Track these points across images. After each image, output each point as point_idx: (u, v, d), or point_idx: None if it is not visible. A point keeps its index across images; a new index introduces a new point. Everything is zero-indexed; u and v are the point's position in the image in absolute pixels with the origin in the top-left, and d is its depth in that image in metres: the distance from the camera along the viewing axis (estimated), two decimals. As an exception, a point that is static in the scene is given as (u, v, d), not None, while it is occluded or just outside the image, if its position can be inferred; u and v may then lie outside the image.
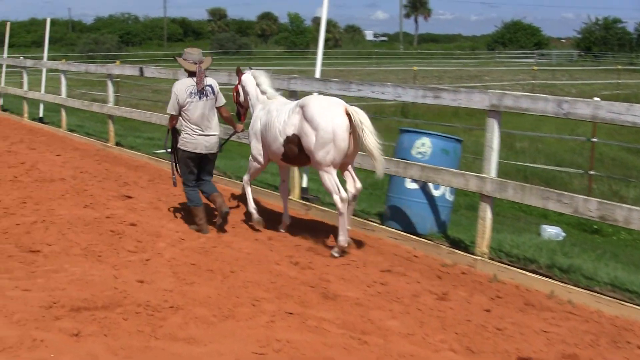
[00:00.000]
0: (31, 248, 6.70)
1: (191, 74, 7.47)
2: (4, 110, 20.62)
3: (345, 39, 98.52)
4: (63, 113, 15.87)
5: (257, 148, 7.71)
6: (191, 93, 7.36)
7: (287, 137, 7.05)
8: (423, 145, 8.13)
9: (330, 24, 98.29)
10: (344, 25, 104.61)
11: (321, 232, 7.88)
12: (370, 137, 6.64)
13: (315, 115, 6.73)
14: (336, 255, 6.93)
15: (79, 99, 17.42)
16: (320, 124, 6.68)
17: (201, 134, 7.47)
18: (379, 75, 39.99)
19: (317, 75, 9.53)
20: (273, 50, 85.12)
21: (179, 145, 7.61)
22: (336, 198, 6.82)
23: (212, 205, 7.92)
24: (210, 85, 7.54)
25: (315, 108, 6.78)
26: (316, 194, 9.59)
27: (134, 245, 6.97)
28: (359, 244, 7.51)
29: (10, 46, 21.96)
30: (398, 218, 8.26)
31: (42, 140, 14.56)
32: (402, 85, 7.95)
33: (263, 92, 7.84)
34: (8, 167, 11.13)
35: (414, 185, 8.14)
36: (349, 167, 7.11)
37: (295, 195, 9.13)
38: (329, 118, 6.66)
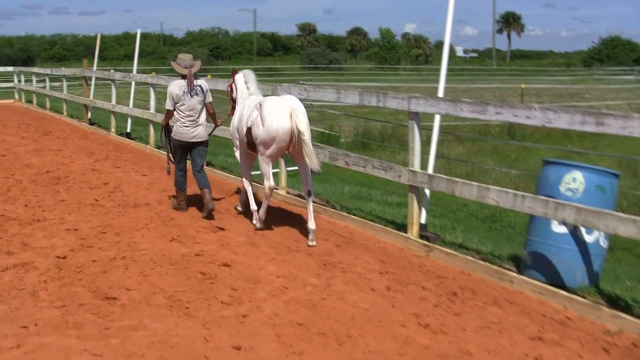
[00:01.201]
0: (107, 294, 5.77)
1: (183, 76, 8.98)
2: (92, 123, 20.25)
3: (435, 54, 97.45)
4: (151, 129, 15.19)
5: (235, 138, 8.95)
6: (184, 92, 8.87)
7: (248, 128, 8.16)
8: (574, 181, 6.80)
9: (421, 40, 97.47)
10: (434, 40, 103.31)
11: (448, 280, 6.67)
12: (305, 137, 7.58)
13: (265, 115, 7.78)
14: (257, 225, 8.32)
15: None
16: (266, 122, 7.75)
17: (190, 125, 8.94)
18: (474, 92, 38.56)
19: (440, 94, 8.36)
20: (363, 65, 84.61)
21: (172, 135, 9.06)
22: (266, 184, 8.07)
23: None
24: (200, 86, 9.02)
25: (266, 108, 7.83)
26: (435, 230, 8.39)
27: (228, 294, 5.93)
28: (496, 299, 6.24)
29: (103, 59, 21.92)
30: (541, 267, 6.93)
31: (128, 157, 13.89)
32: (553, 109, 6.64)
33: (248, 90, 8.97)
34: (90, 189, 10.40)
35: (563, 229, 6.81)
36: (304, 166, 7.94)
37: (413, 233, 7.95)
38: (274, 119, 7.69)
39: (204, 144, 9.16)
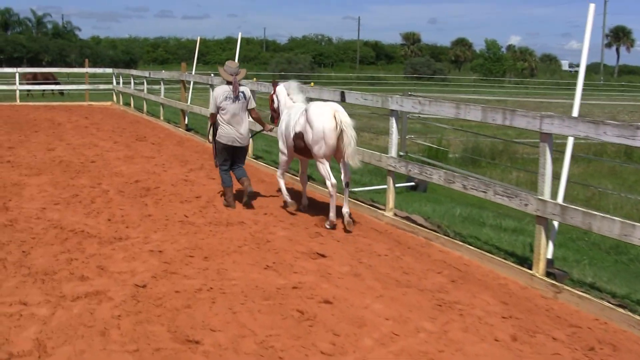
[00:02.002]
0: (189, 336, 5.05)
1: (228, 82, 9.74)
2: (189, 129, 19.92)
3: (540, 68, 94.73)
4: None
5: (282, 144, 9.69)
6: (227, 97, 9.63)
7: (296, 134, 9.08)
8: None
9: (527, 52, 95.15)
10: (540, 53, 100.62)
11: (583, 331, 5.65)
12: (348, 134, 8.54)
13: (312, 118, 8.71)
14: (328, 227, 8.76)
15: (266, 121, 16.12)
16: (314, 125, 8.67)
17: (233, 129, 9.69)
18: (583, 109, 36.52)
19: (575, 113, 7.33)
20: (468, 77, 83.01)
21: (216, 138, 9.87)
22: (328, 183, 8.84)
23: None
24: (243, 92, 9.78)
25: (312, 113, 8.74)
26: (557, 263, 7.33)
27: (329, 341, 5.12)
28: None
29: (205, 63, 21.61)
30: None
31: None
32: None
33: (292, 100, 9.80)
34: (180, 202, 9.82)
35: None
36: (344, 161, 8.83)
37: (539, 270, 6.92)
38: (320, 121, 8.62)
39: (245, 147, 10.05)
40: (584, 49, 7.56)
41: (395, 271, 7.04)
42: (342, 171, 8.97)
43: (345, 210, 8.79)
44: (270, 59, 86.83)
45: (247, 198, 9.65)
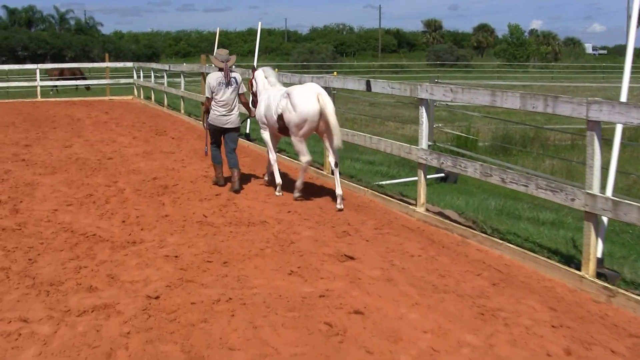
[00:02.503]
0: (204, 356, 4.53)
1: (220, 69, 10.21)
2: (210, 123, 19.40)
3: (564, 52, 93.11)
4: (271, 130, 14.05)
5: (262, 125, 10.28)
6: (220, 83, 10.10)
7: (279, 115, 9.49)
8: None
9: (550, 36, 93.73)
10: (563, 37, 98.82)
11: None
12: (331, 116, 8.95)
13: (295, 101, 9.14)
14: (296, 195, 9.50)
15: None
16: (297, 107, 9.11)
17: (225, 113, 10.23)
18: (610, 92, 35.52)
19: (623, 98, 6.68)
20: (491, 62, 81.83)
21: (209, 121, 10.37)
22: (303, 159, 9.39)
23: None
24: (234, 78, 10.26)
25: (296, 95, 9.20)
26: (604, 260, 6.69)
27: (361, 361, 4.55)
28: None
29: (228, 55, 20.86)
30: None
31: (246, 162, 12.78)
32: None
33: (269, 83, 10.30)
34: (199, 201, 9.31)
35: None
36: (329, 143, 9.29)
37: (589, 271, 6.30)
38: (304, 103, 9.05)
39: (235, 129, 10.49)
40: (631, 31, 6.94)
41: (430, 274, 6.47)
42: (330, 152, 9.38)
43: (338, 192, 9.14)
44: (292, 50, 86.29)
45: (232, 191, 10.01)
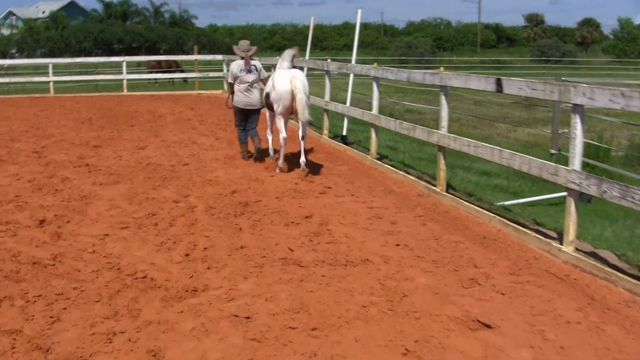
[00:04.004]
0: None
1: (242, 58, 11.71)
2: (302, 122, 17.70)
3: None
4: (373, 135, 12.13)
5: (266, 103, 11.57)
6: (241, 70, 11.68)
7: (266, 94, 11.22)
8: None
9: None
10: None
11: None
12: (299, 96, 10.34)
13: (275, 82, 10.76)
14: (278, 170, 10.76)
15: (389, 109, 13.70)
16: (275, 88, 10.70)
17: (246, 95, 11.72)
18: None
19: None
20: (599, 59, 77.53)
21: (233, 103, 11.87)
22: (280, 136, 10.77)
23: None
24: (254, 65, 11.83)
25: (275, 78, 10.83)
26: None
27: None
28: None
29: (322, 49, 19.33)
30: None
31: (341, 171, 10.96)
32: None
33: (280, 65, 11.35)
34: (285, 225, 7.55)
35: None
36: (300, 119, 10.60)
37: None
38: (279, 84, 10.61)
39: (255, 111, 11.88)
40: None
41: (601, 358, 4.51)
42: (300, 127, 10.68)
43: (302, 160, 10.57)
44: (389, 44, 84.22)
45: (256, 153, 11.60)
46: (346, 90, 15.87)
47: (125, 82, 27.91)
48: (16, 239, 6.85)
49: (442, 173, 9.52)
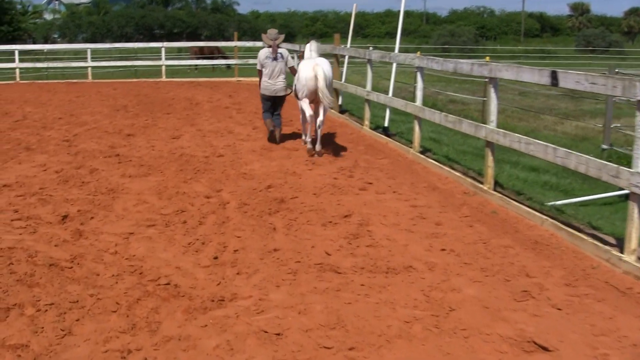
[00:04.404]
0: None
1: (269, 46, 12.17)
2: (342, 111, 17.19)
3: None
4: (416, 127, 11.54)
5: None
6: (267, 57, 12.16)
7: (295, 84, 11.71)
8: None
9: None
10: None
11: None
12: (320, 82, 10.65)
13: (300, 69, 11.36)
14: (308, 147, 11.42)
15: (432, 99, 13.10)
16: (300, 75, 11.29)
17: (272, 83, 12.23)
18: None
19: None
20: (645, 49, 75.76)
21: (260, 90, 12.43)
22: (307, 114, 11.13)
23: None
24: (281, 53, 12.25)
25: (300, 66, 11.44)
26: None
27: None
28: None
29: (364, 36, 18.87)
30: None
31: (382, 165, 10.42)
32: None
33: (307, 56, 11.95)
34: (322, 225, 7.08)
35: None
36: (320, 106, 11.06)
37: None
38: (303, 71, 11.10)
39: (281, 97, 12.40)
40: None
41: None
42: (321, 113, 11.07)
43: (317, 147, 11.09)
44: (431, 32, 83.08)
45: (278, 139, 12.10)
46: (387, 79, 15.33)
47: (164, 68, 27.60)
48: (35, 236, 6.46)
49: (490, 170, 8.93)
